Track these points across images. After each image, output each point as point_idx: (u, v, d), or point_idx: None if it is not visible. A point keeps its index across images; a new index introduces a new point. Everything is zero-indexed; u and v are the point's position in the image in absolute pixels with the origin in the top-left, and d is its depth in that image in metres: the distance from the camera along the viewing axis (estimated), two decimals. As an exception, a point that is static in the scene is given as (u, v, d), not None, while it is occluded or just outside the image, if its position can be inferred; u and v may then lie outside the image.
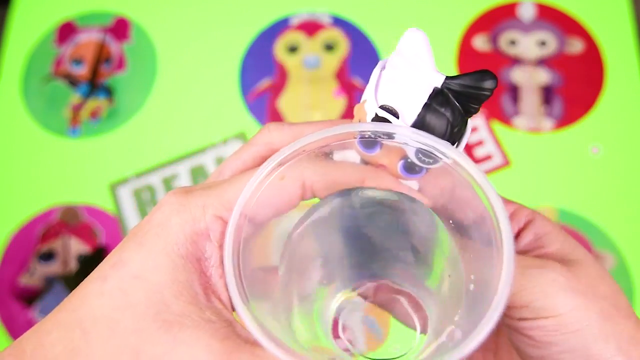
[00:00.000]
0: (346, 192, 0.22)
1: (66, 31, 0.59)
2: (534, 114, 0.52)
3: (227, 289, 0.19)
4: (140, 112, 0.55)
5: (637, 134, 0.51)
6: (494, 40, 0.55)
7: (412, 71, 0.19)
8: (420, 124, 0.18)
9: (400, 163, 0.19)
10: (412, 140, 0.19)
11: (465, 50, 0.55)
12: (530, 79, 0.53)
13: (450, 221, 0.21)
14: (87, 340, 0.18)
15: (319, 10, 0.58)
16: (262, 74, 0.56)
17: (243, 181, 0.20)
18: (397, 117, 0.19)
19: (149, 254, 0.19)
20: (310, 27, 0.57)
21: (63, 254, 0.51)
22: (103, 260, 0.20)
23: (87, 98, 0.56)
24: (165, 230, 0.20)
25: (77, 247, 0.51)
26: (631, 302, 0.46)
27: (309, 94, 0.54)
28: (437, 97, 0.18)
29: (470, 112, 0.19)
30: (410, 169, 0.19)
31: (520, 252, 0.23)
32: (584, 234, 0.48)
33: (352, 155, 0.21)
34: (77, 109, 0.56)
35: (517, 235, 0.23)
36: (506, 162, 0.51)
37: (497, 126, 0.52)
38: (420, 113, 0.18)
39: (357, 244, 0.23)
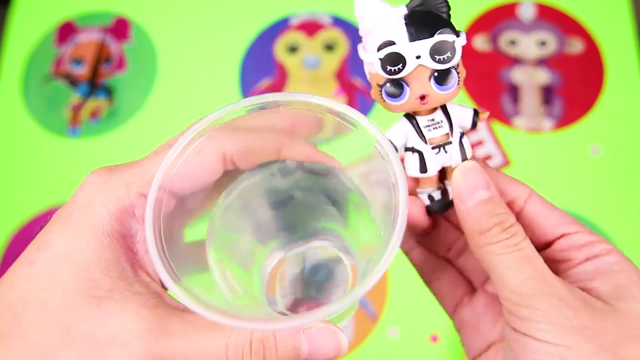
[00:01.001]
0: (269, 163, 0.23)
1: (66, 31, 0.59)
2: (534, 114, 0.52)
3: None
4: (140, 112, 0.55)
5: (637, 134, 0.51)
6: (494, 40, 0.55)
7: (380, 21, 0.21)
8: (411, 37, 0.20)
9: (432, 79, 0.21)
10: (323, 102, 0.21)
11: (465, 50, 0.55)
12: (530, 79, 0.53)
13: (361, 180, 0.24)
14: (17, 323, 0.19)
15: (319, 10, 0.58)
16: (262, 74, 0.56)
17: (163, 157, 0.21)
18: (395, 44, 0.21)
19: (75, 233, 0.20)
20: (310, 27, 0.57)
21: (63, 254, 0.51)
22: (30, 244, 0.20)
23: (87, 98, 0.56)
24: (89, 209, 0.20)
25: (77, 247, 0.51)
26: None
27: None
28: (410, 17, 0.21)
29: (445, 13, 0.21)
30: (441, 81, 0.21)
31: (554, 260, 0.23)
32: (584, 234, 0.48)
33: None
34: (77, 109, 0.56)
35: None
36: (506, 162, 0.51)
37: (497, 126, 0.52)
38: (407, 30, 0.20)
39: (285, 208, 0.25)
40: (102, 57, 0.58)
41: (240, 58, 0.57)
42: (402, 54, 0.20)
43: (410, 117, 0.23)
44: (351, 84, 0.54)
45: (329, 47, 0.56)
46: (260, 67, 0.56)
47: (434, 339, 0.46)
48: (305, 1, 0.58)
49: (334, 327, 0.20)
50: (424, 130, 0.23)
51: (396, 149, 0.23)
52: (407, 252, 0.28)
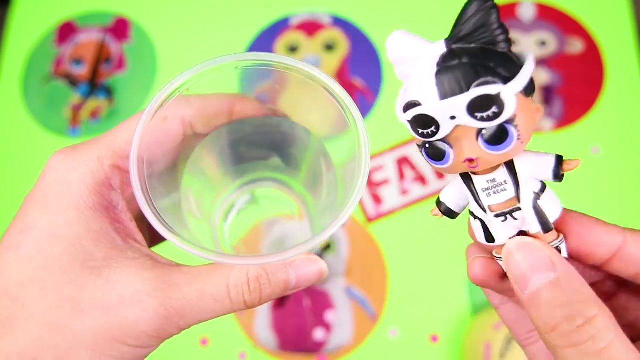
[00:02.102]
0: (231, 122, 0.25)
1: (66, 31, 0.59)
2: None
3: (139, 229, 0.21)
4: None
5: (637, 134, 0.51)
6: (494, 40, 0.55)
7: (415, 65, 0.17)
8: (442, 93, 0.16)
9: (480, 139, 0.17)
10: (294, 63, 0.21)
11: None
12: (530, 79, 0.53)
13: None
14: (21, 305, 0.19)
15: (319, 10, 0.58)
16: (262, 74, 0.56)
17: (127, 128, 0.22)
18: (421, 105, 0.17)
19: (57, 211, 0.20)
20: (310, 27, 0.57)
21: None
22: (5, 233, 0.20)
23: (87, 98, 0.56)
24: (66, 187, 0.20)
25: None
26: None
27: (309, 94, 0.54)
28: (445, 60, 0.16)
29: (503, 42, 0.16)
30: (491, 140, 0.17)
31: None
32: (584, 234, 0.48)
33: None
34: (77, 109, 0.56)
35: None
36: (506, 162, 0.51)
37: (497, 126, 0.52)
38: (436, 83, 0.16)
39: (246, 157, 0.27)
40: (102, 57, 0.58)
41: (240, 58, 0.57)
42: (431, 115, 0.16)
43: (466, 177, 0.19)
44: (351, 84, 0.54)
45: (329, 47, 0.56)
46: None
47: (434, 339, 0.46)
48: (305, 1, 0.58)
49: (313, 256, 0.22)
50: (482, 196, 0.18)
51: (453, 215, 0.20)
52: (497, 308, 0.23)
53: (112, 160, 0.21)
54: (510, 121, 0.16)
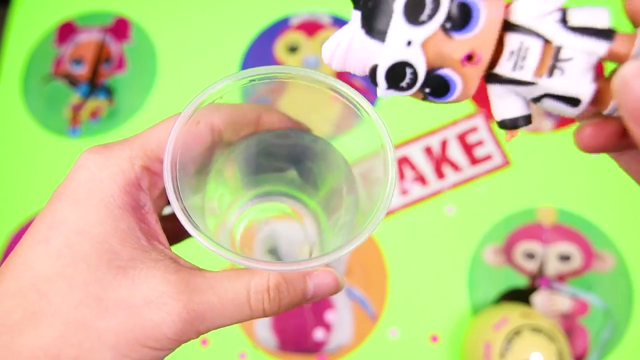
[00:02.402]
0: (256, 133, 0.25)
1: (66, 31, 0.59)
2: (534, 114, 0.52)
3: (164, 232, 0.22)
4: (140, 112, 0.55)
5: (637, 134, 0.51)
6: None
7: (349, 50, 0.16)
8: (379, 39, 0.15)
9: (450, 32, 0.14)
10: (323, 79, 0.21)
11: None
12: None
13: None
14: (47, 301, 0.19)
15: (319, 10, 0.58)
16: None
17: (159, 130, 0.22)
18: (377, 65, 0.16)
19: (87, 208, 0.20)
20: (310, 27, 0.57)
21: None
22: (31, 227, 0.21)
23: (87, 98, 0.56)
24: (97, 185, 0.20)
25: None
26: (631, 302, 0.46)
27: (309, 94, 0.54)
28: (364, 16, 0.15)
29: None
30: (458, 21, 0.14)
31: None
32: (584, 234, 0.48)
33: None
34: (77, 109, 0.56)
35: None
36: (506, 162, 0.51)
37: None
38: (365, 32, 0.15)
39: (265, 168, 0.27)
40: (102, 57, 0.58)
41: (240, 58, 0.57)
42: (394, 61, 0.15)
43: (491, 79, 0.16)
44: (351, 83, 0.54)
45: (329, 47, 0.56)
46: (260, 67, 0.56)
47: (434, 339, 0.46)
48: (305, 1, 0.58)
49: (331, 268, 0.22)
50: (519, 75, 0.15)
51: (526, 120, 0.16)
52: (616, 159, 0.20)
53: (143, 161, 0.22)
54: None
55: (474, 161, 0.51)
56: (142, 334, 0.19)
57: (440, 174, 0.50)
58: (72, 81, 0.57)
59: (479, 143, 0.51)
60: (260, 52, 0.57)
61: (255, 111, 0.24)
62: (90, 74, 0.57)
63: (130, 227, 0.21)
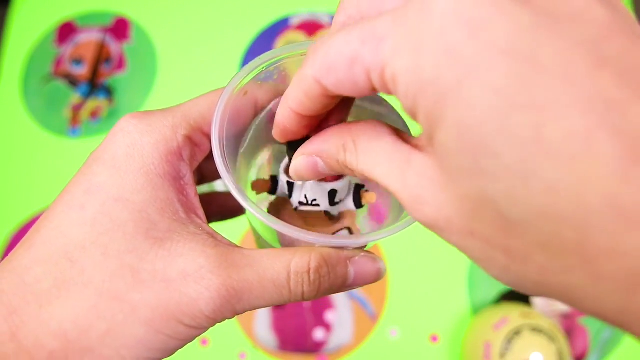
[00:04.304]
0: None
1: (66, 31, 0.59)
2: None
3: (201, 205, 0.21)
4: (140, 112, 0.55)
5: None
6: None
7: None
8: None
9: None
10: None
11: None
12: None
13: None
14: (80, 270, 0.18)
15: (319, 10, 0.58)
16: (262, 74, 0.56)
17: (204, 101, 0.21)
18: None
19: (126, 175, 0.19)
20: (310, 27, 0.57)
21: (63, 254, 0.51)
22: (64, 191, 0.20)
23: (87, 98, 0.56)
24: (138, 151, 0.20)
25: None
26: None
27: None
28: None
29: None
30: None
31: None
32: (584, 234, 0.48)
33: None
34: (77, 109, 0.56)
35: None
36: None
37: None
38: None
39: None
40: (102, 57, 0.58)
41: (240, 58, 0.57)
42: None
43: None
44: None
45: (329, 47, 0.56)
46: (260, 67, 0.56)
47: (434, 339, 0.46)
48: (305, 1, 0.58)
49: (373, 255, 0.21)
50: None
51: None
52: None
53: (186, 131, 0.21)
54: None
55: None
56: (178, 309, 0.18)
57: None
58: (72, 81, 0.57)
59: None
60: (260, 52, 0.57)
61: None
62: (90, 74, 0.57)
63: (169, 197, 0.20)
